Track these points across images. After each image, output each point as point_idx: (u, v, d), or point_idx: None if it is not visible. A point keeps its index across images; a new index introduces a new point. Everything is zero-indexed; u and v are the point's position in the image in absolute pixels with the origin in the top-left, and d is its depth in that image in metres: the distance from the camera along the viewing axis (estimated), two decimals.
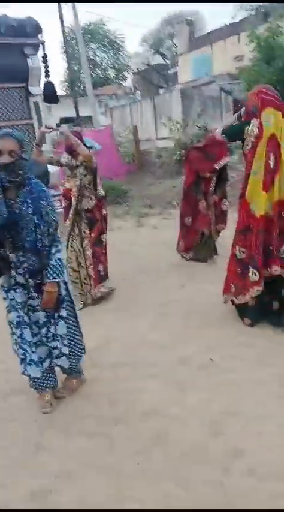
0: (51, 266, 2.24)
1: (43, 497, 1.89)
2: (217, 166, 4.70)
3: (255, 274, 3.11)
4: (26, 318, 2.33)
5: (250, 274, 3.12)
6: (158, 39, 30.52)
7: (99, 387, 2.64)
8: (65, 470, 2.02)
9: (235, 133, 3.30)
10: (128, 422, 2.30)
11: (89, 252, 3.98)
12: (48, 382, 2.49)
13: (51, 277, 2.24)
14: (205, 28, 27.48)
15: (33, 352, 2.37)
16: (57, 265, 2.27)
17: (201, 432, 2.19)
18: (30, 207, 2.18)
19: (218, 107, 14.35)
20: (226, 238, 5.20)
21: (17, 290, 2.31)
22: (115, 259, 4.61)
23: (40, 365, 2.40)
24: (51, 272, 2.24)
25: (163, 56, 30.50)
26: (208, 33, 22.72)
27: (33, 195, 2.19)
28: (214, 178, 4.78)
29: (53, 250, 2.26)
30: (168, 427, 2.24)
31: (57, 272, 2.26)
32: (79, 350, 2.56)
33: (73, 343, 2.50)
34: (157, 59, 29.86)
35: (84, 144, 4.04)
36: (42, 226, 2.19)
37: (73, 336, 2.51)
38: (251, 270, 3.12)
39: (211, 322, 3.43)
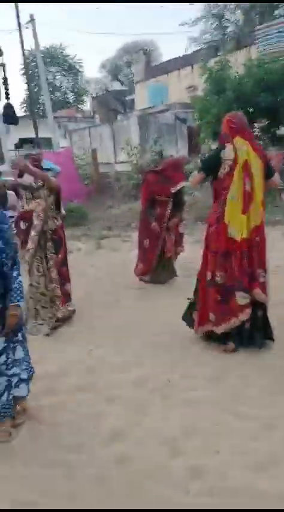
0: (14, 289, 2.23)
1: None
2: (173, 190, 4.89)
3: (244, 297, 3.12)
4: None
5: (238, 298, 3.11)
6: (116, 66, 31.44)
7: (59, 414, 2.60)
8: (24, 500, 1.97)
9: (212, 163, 3.28)
10: (89, 448, 2.28)
11: (54, 274, 3.95)
12: (6, 412, 2.40)
13: (16, 300, 2.25)
14: (161, 58, 28.72)
15: None
16: (20, 288, 2.28)
17: (161, 453, 2.22)
18: None
19: (173, 134, 14.93)
20: (183, 259, 5.38)
21: None
22: (75, 280, 4.60)
23: None
24: (15, 295, 2.24)
25: (121, 82, 31.39)
26: (164, 62, 23.76)
27: None
28: (171, 202, 4.96)
29: (15, 273, 2.26)
30: (130, 450, 2.25)
31: (20, 294, 2.28)
32: (32, 373, 2.55)
33: (29, 366, 2.48)
34: (116, 85, 30.65)
35: (41, 168, 4.11)
36: (8, 251, 2.18)
37: (27, 359, 2.49)
38: (238, 293, 3.12)
39: (169, 343, 3.50)
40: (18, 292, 2.26)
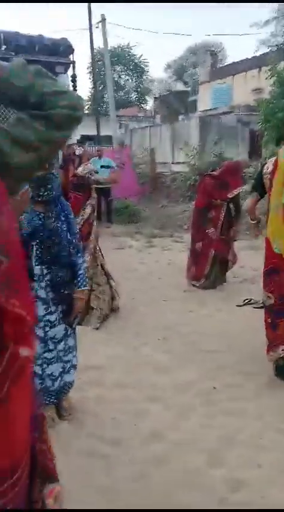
0: (81, 275, 2.36)
1: None
2: (229, 196, 4.79)
3: None
4: (41, 334, 2.31)
5: (282, 324, 2.77)
6: (181, 66, 31.38)
7: (102, 407, 2.64)
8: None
9: (258, 180, 3.07)
10: (129, 444, 2.29)
11: (107, 266, 4.10)
12: (57, 397, 2.46)
13: (82, 286, 2.38)
14: (227, 60, 28.26)
15: (44, 369, 2.34)
16: (84, 274, 2.42)
17: (199, 460, 2.17)
18: (64, 223, 2.28)
19: (234, 137, 14.61)
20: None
21: (37, 305, 2.32)
22: (123, 276, 4.65)
23: (51, 383, 2.37)
24: (82, 281, 2.37)
25: (185, 83, 31.27)
26: (230, 64, 23.34)
27: (64, 211, 2.30)
28: (225, 205, 4.85)
29: (80, 260, 2.39)
30: (168, 452, 2.23)
31: (86, 280, 2.43)
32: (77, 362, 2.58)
33: (76, 355, 2.55)
34: (179, 86, 30.59)
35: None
36: (74, 241, 2.30)
37: (75, 347, 2.54)
38: (282, 319, 2.77)
39: (215, 348, 3.43)
40: (84, 278, 2.39)
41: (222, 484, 2.02)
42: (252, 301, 4.48)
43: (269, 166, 2.93)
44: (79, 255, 2.39)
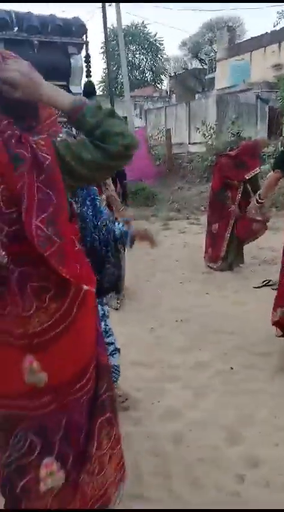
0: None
1: None
2: (247, 177, 4.70)
3: None
4: None
5: None
6: (197, 43, 30.52)
7: (120, 384, 2.68)
8: None
9: (283, 159, 3.01)
10: (147, 422, 2.33)
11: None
12: None
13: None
14: (245, 35, 27.32)
15: None
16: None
17: (217, 438, 2.20)
18: (90, 208, 2.21)
19: (253, 115, 14.24)
20: (253, 245, 5.18)
21: None
22: (139, 260, 4.66)
23: None
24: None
25: (201, 61, 30.47)
26: (248, 40, 22.56)
27: (90, 196, 2.23)
28: (242, 186, 4.75)
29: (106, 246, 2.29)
30: (186, 430, 2.26)
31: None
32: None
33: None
34: (195, 64, 29.85)
35: None
36: (99, 225, 2.21)
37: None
38: None
39: (232, 329, 3.42)
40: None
41: (240, 461, 2.04)
42: (270, 282, 4.44)
43: None
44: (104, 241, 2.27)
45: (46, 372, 1.21)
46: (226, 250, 4.87)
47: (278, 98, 11.84)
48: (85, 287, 1.23)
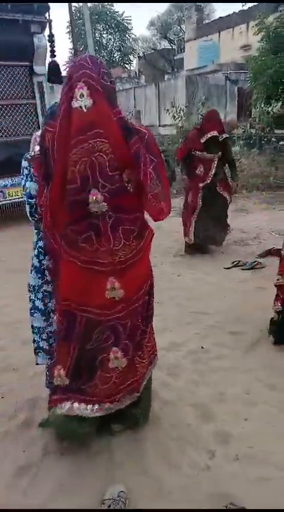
0: None
1: (30, 472, 1.94)
2: (202, 140, 4.54)
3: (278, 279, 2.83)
4: (41, 306, 2.12)
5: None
6: (166, 23, 30.04)
7: None
8: (53, 450, 2.07)
9: None
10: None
11: None
12: None
13: None
14: (214, 14, 27.08)
15: (51, 344, 2.18)
16: None
17: (190, 416, 2.24)
18: None
19: (222, 96, 14.26)
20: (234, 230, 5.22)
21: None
22: None
23: None
24: None
25: (170, 41, 30.06)
26: (216, 20, 22.38)
27: None
28: (216, 160, 4.59)
29: None
30: (158, 410, 2.29)
31: None
32: None
33: None
34: (164, 44, 29.43)
35: None
36: None
37: None
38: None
39: (204, 310, 3.47)
40: None
41: (211, 437, 2.09)
42: (240, 263, 4.51)
43: None
44: None
45: (122, 289, 1.75)
46: (203, 226, 4.74)
47: (247, 79, 11.85)
48: (153, 231, 1.84)
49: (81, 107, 1.58)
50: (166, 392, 2.43)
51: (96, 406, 1.88)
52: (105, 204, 1.65)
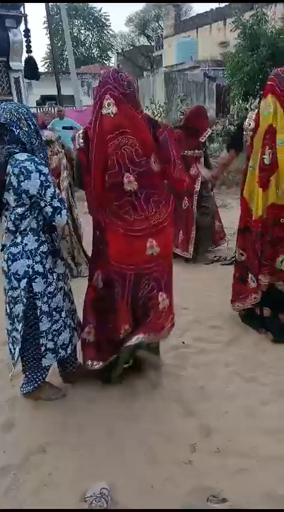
0: None
1: (11, 472, 1.92)
2: (202, 139, 4.43)
3: (253, 281, 2.89)
4: (46, 308, 2.19)
5: (249, 280, 2.92)
6: (144, 20, 29.93)
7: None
8: (34, 445, 2.05)
9: (238, 136, 2.93)
10: (103, 401, 2.34)
11: (81, 221, 4.22)
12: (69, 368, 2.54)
13: None
14: (192, 12, 27.13)
15: (56, 342, 2.28)
16: None
17: (172, 411, 2.26)
18: None
19: (201, 93, 14.33)
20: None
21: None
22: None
23: (63, 352, 2.30)
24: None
25: (148, 37, 29.99)
26: (194, 17, 22.45)
27: None
28: (202, 158, 4.48)
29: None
30: (141, 407, 2.29)
31: None
32: None
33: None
34: (143, 41, 29.35)
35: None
36: None
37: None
38: (250, 275, 2.92)
39: (185, 305, 3.49)
40: None
41: (193, 431, 2.11)
42: (220, 258, 4.55)
43: (250, 123, 2.79)
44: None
45: (159, 247, 2.22)
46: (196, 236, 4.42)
47: (225, 76, 11.94)
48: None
49: (109, 113, 2.09)
50: (148, 389, 2.44)
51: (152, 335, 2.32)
52: (136, 183, 2.12)
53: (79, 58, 26.67)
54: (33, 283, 2.09)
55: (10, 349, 2.22)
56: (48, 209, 2.06)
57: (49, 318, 2.17)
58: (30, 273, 2.09)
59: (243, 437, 2.06)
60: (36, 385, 2.31)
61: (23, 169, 1.99)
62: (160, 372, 2.58)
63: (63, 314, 2.23)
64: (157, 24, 29.00)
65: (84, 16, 29.25)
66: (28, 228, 2.09)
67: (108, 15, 30.90)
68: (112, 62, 30.68)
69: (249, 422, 2.15)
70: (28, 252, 2.09)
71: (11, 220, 2.08)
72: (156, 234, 2.21)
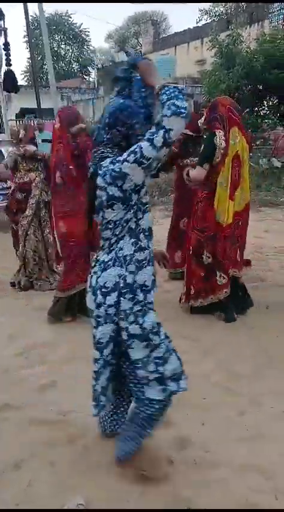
0: None
1: None
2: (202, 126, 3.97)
3: (223, 278, 3.34)
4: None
5: (218, 277, 3.33)
6: (123, 36, 30.51)
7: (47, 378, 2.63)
8: (10, 465, 2.00)
9: (211, 151, 3.17)
10: (79, 414, 2.31)
11: (51, 240, 4.16)
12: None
13: None
14: (170, 30, 27.86)
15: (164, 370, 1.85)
16: None
17: None
18: None
19: None
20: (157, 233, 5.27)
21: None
22: None
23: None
24: None
25: (127, 53, 30.50)
26: (172, 35, 23.05)
27: None
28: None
29: None
30: None
31: None
32: None
33: None
34: (122, 56, 29.78)
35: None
36: None
37: None
38: (218, 273, 3.33)
39: (164, 317, 3.49)
40: None
41: (170, 443, 2.10)
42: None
43: (222, 143, 3.14)
44: None
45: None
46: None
47: (202, 93, 12.24)
48: None
49: None
50: None
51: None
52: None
53: (60, 72, 26.85)
54: (121, 299, 1.70)
55: (98, 397, 1.82)
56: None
57: (143, 343, 1.73)
58: (121, 284, 1.70)
59: (220, 448, 2.06)
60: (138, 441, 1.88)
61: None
62: None
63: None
64: (136, 40, 29.58)
65: (65, 31, 29.58)
66: (125, 230, 1.70)
67: (88, 31, 31.26)
68: (92, 76, 31.02)
69: (226, 433, 2.16)
70: (121, 258, 1.70)
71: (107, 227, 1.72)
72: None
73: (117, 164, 1.62)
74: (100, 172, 1.65)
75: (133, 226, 1.69)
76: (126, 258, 1.69)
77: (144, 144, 1.59)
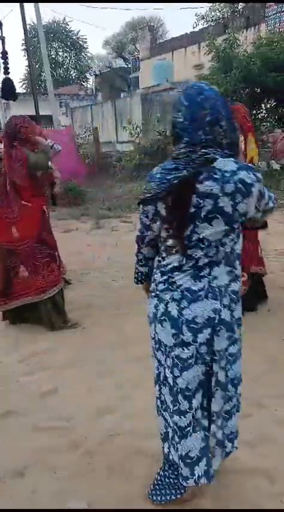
0: None
1: None
2: None
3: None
4: (223, 378, 1.55)
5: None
6: (120, 42, 30.73)
7: (47, 384, 2.63)
8: (11, 468, 1.99)
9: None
10: (80, 421, 2.30)
11: None
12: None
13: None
14: (167, 35, 28.05)
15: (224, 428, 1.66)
16: None
17: (152, 428, 2.23)
18: None
19: None
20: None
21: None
22: (70, 260, 4.57)
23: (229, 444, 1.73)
24: None
25: (125, 59, 30.72)
26: (169, 40, 23.20)
27: None
28: None
29: None
30: (118, 425, 2.27)
31: None
32: None
33: None
34: (120, 63, 30.01)
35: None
36: None
37: None
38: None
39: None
40: None
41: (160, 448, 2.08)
42: None
43: (242, 146, 3.27)
44: None
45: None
46: None
47: None
48: None
49: None
50: (127, 406, 2.42)
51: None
52: None
53: (58, 79, 27.03)
54: (215, 337, 1.46)
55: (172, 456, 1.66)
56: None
57: (223, 393, 1.53)
58: (216, 320, 1.45)
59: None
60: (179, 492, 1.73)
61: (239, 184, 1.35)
62: (142, 387, 2.57)
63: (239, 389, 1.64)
64: (133, 46, 29.78)
65: (62, 39, 29.81)
66: (220, 254, 1.44)
67: (86, 38, 31.51)
68: (90, 83, 31.21)
69: None
70: (216, 289, 1.45)
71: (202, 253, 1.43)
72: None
73: (251, 174, 1.35)
74: (215, 176, 1.34)
75: (228, 251, 1.44)
76: (221, 289, 1.45)
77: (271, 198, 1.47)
